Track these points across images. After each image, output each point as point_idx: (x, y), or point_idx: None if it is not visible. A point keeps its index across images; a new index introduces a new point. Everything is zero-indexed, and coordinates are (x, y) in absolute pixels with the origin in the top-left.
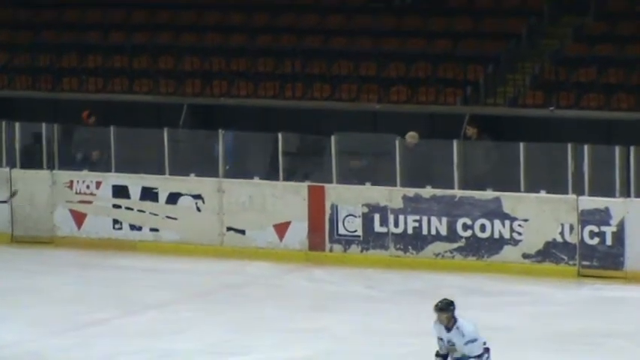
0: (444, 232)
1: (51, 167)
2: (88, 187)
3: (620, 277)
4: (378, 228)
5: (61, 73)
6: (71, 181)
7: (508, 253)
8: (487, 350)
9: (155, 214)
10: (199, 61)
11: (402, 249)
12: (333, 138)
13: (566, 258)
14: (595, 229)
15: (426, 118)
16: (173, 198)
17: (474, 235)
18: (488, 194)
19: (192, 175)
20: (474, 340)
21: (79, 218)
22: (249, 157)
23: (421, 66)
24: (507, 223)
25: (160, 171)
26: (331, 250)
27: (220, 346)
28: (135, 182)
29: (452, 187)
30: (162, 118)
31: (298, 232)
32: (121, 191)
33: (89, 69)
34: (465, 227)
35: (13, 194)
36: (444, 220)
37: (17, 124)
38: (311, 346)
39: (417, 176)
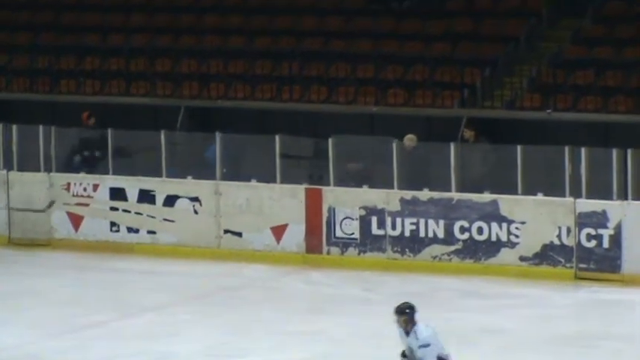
0: (441, 234)
1: (48, 170)
2: (85, 189)
3: (618, 279)
4: (375, 231)
5: (59, 75)
6: (68, 184)
7: (505, 255)
8: None
9: (152, 217)
10: (197, 63)
11: (399, 252)
12: (330, 141)
13: (563, 261)
14: (592, 231)
15: (424, 120)
16: (170, 200)
17: (471, 237)
18: (486, 197)
19: (190, 177)
20: (426, 345)
21: (76, 220)
22: (246, 160)
23: (419, 69)
24: (505, 225)
25: (157, 173)
26: (328, 252)
27: (218, 348)
28: (132, 185)
29: (449, 190)
30: (160, 120)
31: (295, 235)
32: (118, 194)
33: (87, 71)
34: (463, 230)
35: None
36: (442, 222)
37: (14, 127)
38: (308, 348)
39: (414, 179)
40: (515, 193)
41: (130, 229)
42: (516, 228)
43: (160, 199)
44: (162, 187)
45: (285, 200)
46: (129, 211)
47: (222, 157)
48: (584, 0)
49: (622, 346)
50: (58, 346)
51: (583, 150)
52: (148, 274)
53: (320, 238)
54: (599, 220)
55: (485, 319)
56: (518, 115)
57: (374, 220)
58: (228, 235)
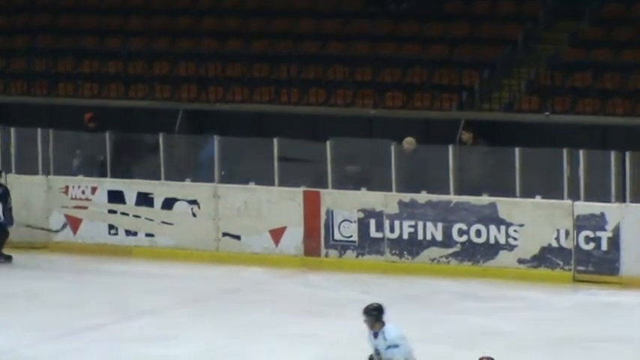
0: (439, 237)
1: (46, 172)
2: (83, 192)
3: (616, 282)
4: (373, 233)
5: (57, 78)
6: (67, 187)
7: (503, 258)
8: None
9: (151, 220)
10: (195, 66)
11: (397, 254)
12: (328, 143)
13: (561, 263)
14: (590, 234)
15: (422, 123)
16: (169, 203)
17: (469, 240)
18: (484, 199)
19: (188, 180)
20: (395, 346)
21: (74, 223)
22: (245, 163)
23: (417, 71)
24: (503, 228)
25: (155, 176)
26: (327, 255)
27: (216, 351)
28: (130, 187)
29: (447, 193)
30: (158, 123)
31: (294, 238)
32: (116, 196)
33: (85, 74)
34: (461, 232)
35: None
36: (440, 225)
37: (12, 129)
38: (306, 351)
39: (412, 181)
40: (513, 195)
41: (128, 232)
42: (514, 230)
43: (158, 201)
44: (160, 189)
45: (283, 203)
46: (127, 214)
47: (221, 160)
48: (582, 2)
49: (620, 348)
50: (55, 349)
51: (581, 152)
52: (146, 277)
53: (318, 241)
54: (597, 222)
55: (483, 321)
56: (517, 117)
57: (372, 222)
58: (227, 237)
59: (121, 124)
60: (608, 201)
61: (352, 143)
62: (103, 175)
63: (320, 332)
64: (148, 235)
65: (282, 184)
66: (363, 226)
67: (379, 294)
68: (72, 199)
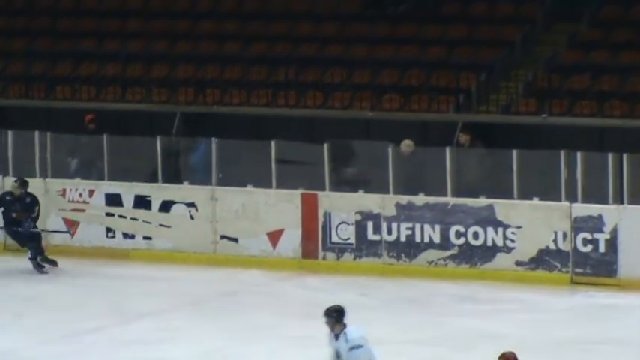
0: (437, 239)
1: (44, 175)
2: (80, 195)
3: (614, 284)
4: (371, 236)
5: (55, 81)
6: (64, 190)
7: (501, 260)
8: None
9: (148, 223)
10: (193, 69)
11: (395, 257)
12: (325, 146)
13: (559, 265)
14: (588, 236)
15: (419, 125)
16: (166, 206)
17: (467, 242)
18: (482, 202)
19: (186, 183)
20: (358, 347)
21: (72, 226)
22: (242, 165)
23: (414, 73)
24: (500, 230)
25: (152, 179)
26: (324, 257)
27: (214, 353)
28: (128, 190)
29: (445, 195)
30: (155, 126)
31: (291, 240)
32: (114, 199)
33: (83, 77)
34: (458, 235)
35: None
36: (437, 227)
37: (10, 132)
38: (304, 353)
39: (410, 184)
40: (511, 197)
41: (125, 235)
42: (512, 233)
43: (155, 204)
44: (158, 192)
45: (280, 205)
46: (125, 217)
47: (218, 163)
48: (580, 4)
49: (618, 350)
50: (54, 352)
51: (579, 154)
52: (144, 279)
53: (316, 244)
54: (595, 224)
55: (481, 323)
56: (514, 119)
57: (370, 225)
58: (224, 240)
59: (118, 127)
60: (606, 203)
61: (350, 146)
62: (101, 178)
63: (318, 334)
64: (146, 237)
65: (279, 186)
66: (360, 228)
67: (377, 296)
68: (69, 202)
